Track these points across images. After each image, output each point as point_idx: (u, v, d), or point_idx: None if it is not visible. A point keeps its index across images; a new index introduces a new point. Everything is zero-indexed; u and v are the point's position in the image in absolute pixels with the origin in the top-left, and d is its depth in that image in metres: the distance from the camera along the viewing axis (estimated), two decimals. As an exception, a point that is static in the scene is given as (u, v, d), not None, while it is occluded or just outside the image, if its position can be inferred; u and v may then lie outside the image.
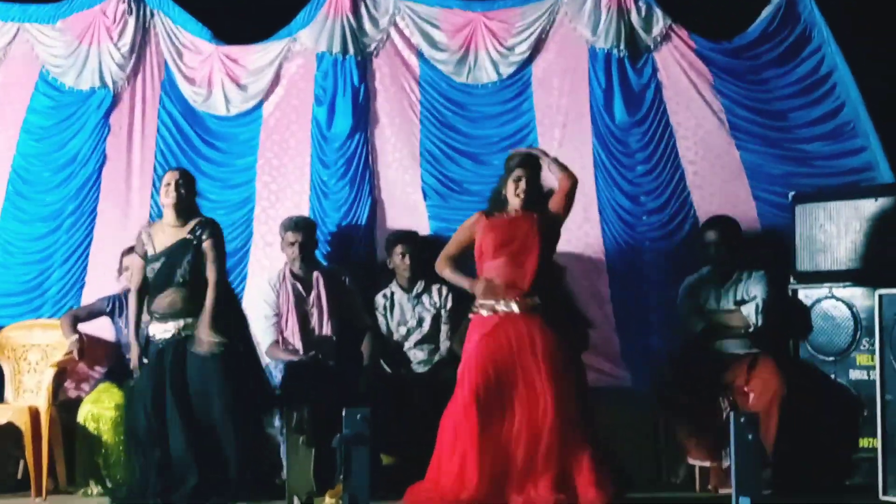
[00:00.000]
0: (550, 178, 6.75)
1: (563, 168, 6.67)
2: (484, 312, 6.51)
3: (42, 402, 7.18)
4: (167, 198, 6.85)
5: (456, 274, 6.75)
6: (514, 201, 6.58)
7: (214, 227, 6.89)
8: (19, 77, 8.24)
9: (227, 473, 6.64)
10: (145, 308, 6.88)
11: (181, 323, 6.76)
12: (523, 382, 6.33)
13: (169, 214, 6.88)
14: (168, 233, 6.86)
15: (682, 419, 7.05)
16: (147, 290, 6.86)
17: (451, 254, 6.78)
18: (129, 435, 6.89)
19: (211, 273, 6.80)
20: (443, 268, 6.81)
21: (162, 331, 6.78)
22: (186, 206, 6.87)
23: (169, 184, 6.86)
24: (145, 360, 6.84)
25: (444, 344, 7.54)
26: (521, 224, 6.54)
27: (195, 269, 6.75)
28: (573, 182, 6.62)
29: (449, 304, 7.57)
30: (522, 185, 6.56)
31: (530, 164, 6.65)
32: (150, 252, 6.84)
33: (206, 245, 6.79)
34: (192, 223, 6.84)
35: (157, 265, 6.82)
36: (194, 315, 6.73)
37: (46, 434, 7.10)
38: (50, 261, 8.01)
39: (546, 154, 6.76)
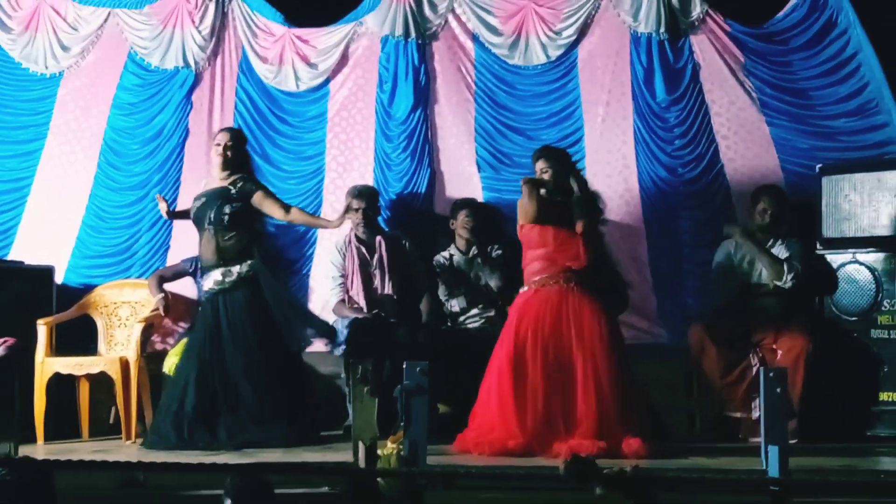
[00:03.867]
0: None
1: (582, 214, 6.45)
2: (531, 286, 6.48)
3: (131, 353, 7.21)
4: (216, 156, 6.96)
5: None
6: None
7: (255, 182, 6.97)
8: (110, 57, 8.25)
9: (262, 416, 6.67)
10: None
11: (218, 275, 6.80)
12: (562, 343, 6.27)
13: (216, 169, 6.99)
14: (215, 183, 6.98)
15: (714, 374, 6.93)
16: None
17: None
18: (172, 384, 6.88)
19: (280, 208, 6.88)
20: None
21: (208, 283, 6.86)
22: (232, 163, 6.93)
23: (219, 144, 6.98)
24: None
25: (496, 300, 7.41)
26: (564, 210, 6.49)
27: (230, 216, 6.75)
28: (585, 229, 6.44)
29: (502, 262, 7.44)
30: (549, 177, 6.54)
31: (549, 156, 6.61)
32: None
33: (258, 195, 6.86)
34: (234, 177, 6.91)
35: (197, 204, 6.95)
36: (228, 264, 6.78)
37: (135, 383, 7.13)
38: (138, 226, 8.04)
39: (584, 187, 6.59)
